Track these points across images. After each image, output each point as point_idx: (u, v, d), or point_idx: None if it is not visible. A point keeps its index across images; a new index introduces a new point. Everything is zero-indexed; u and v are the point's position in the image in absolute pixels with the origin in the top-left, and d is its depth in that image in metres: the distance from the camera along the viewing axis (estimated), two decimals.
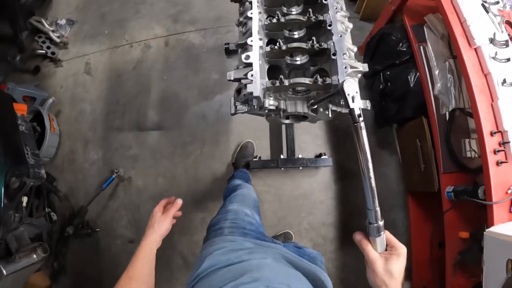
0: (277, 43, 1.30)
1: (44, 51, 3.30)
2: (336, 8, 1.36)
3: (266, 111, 1.32)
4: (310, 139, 2.90)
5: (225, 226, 1.26)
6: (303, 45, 1.28)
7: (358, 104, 0.81)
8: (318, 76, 1.19)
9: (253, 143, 2.88)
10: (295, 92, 1.31)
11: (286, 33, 1.42)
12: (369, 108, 1.30)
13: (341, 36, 1.25)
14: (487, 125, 1.61)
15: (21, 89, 3.10)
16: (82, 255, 2.94)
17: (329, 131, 2.90)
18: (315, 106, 1.30)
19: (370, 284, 0.86)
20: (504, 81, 1.63)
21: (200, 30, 3.30)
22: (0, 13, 2.72)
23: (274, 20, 1.39)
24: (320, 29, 1.40)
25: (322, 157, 2.72)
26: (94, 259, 2.93)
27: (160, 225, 1.22)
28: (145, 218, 2.89)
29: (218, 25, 3.29)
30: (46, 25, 3.26)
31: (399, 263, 0.83)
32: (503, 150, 1.57)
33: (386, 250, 0.87)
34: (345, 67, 1.18)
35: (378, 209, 0.84)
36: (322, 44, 1.27)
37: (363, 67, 1.30)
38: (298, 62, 1.34)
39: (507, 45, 1.73)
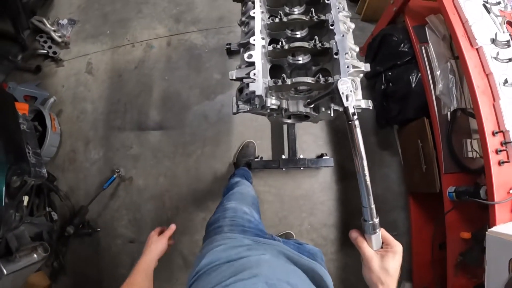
0: (280, 43, 1.29)
1: (45, 51, 3.30)
2: (338, 8, 1.37)
3: (268, 110, 1.32)
4: (312, 139, 2.90)
5: (224, 224, 1.27)
6: (305, 44, 1.28)
7: (352, 102, 0.82)
8: (320, 76, 1.19)
9: (254, 143, 2.89)
10: (297, 91, 1.31)
11: (288, 32, 1.42)
12: (371, 107, 1.30)
13: (343, 35, 1.25)
14: (489, 125, 1.61)
15: (22, 89, 3.10)
16: (82, 255, 2.94)
17: (330, 131, 2.90)
18: (312, 105, 1.30)
19: (366, 282, 0.87)
20: (506, 81, 1.63)
21: (202, 31, 3.30)
22: (2, 12, 2.72)
23: (277, 20, 1.39)
24: (322, 29, 1.40)
25: (324, 157, 2.72)
26: (94, 259, 2.93)
27: (157, 245, 1.31)
28: (146, 217, 2.91)
29: (220, 25, 3.29)
30: (48, 25, 3.26)
31: (395, 260, 0.83)
32: (505, 150, 1.57)
33: (382, 247, 0.88)
34: (347, 67, 1.18)
35: (373, 206, 0.85)
36: (325, 43, 1.27)
37: (365, 66, 1.30)
38: (300, 62, 1.34)
39: (508, 45, 1.73)
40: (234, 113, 1.34)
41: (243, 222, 1.29)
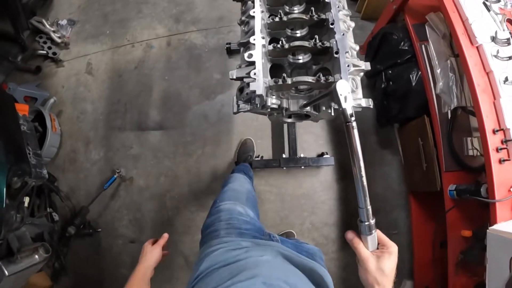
0: (280, 42, 1.30)
1: (45, 52, 3.30)
2: (338, 7, 1.37)
3: (269, 110, 1.32)
4: (312, 138, 2.90)
5: (220, 227, 1.26)
6: (306, 43, 1.29)
7: (350, 104, 0.82)
8: (321, 75, 1.19)
9: (252, 139, 2.89)
10: (298, 90, 1.31)
11: (289, 32, 1.42)
12: (371, 106, 1.31)
13: (343, 34, 1.25)
14: (489, 123, 1.61)
15: (23, 90, 3.10)
16: (83, 255, 2.94)
17: (331, 130, 2.90)
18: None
19: (362, 282, 0.87)
20: (506, 79, 1.63)
21: (202, 30, 3.30)
22: (2, 12, 2.72)
23: (277, 19, 1.39)
24: (322, 28, 1.40)
25: (324, 156, 2.72)
26: (95, 259, 2.93)
27: (151, 254, 1.35)
28: (147, 217, 2.91)
29: (220, 25, 3.29)
30: (47, 26, 3.26)
31: (390, 261, 0.84)
32: (506, 148, 1.57)
33: (377, 248, 0.88)
34: (348, 66, 1.18)
35: (369, 207, 0.85)
36: (325, 42, 1.27)
37: (366, 65, 1.31)
38: (301, 61, 1.35)
39: (508, 43, 1.73)
40: (235, 113, 1.34)
41: (239, 225, 1.28)
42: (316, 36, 1.29)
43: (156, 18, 3.42)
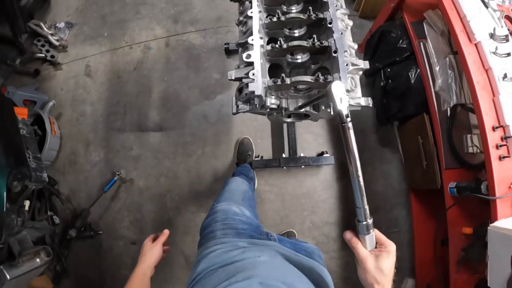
0: (278, 42, 1.29)
1: (43, 55, 3.29)
2: (336, 6, 1.37)
3: (268, 110, 1.32)
4: (312, 137, 2.90)
5: (216, 228, 1.26)
6: (304, 43, 1.28)
7: (345, 104, 0.82)
8: (320, 74, 1.18)
9: (249, 138, 2.89)
10: (297, 90, 1.31)
11: (287, 31, 1.42)
12: (370, 105, 1.31)
13: (341, 33, 1.25)
14: (489, 120, 1.61)
15: (21, 93, 3.09)
16: (85, 257, 2.94)
17: (330, 130, 2.90)
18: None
19: (361, 282, 0.87)
20: (505, 76, 1.63)
21: (200, 31, 3.30)
22: (0, 16, 2.72)
23: (275, 19, 1.39)
24: (320, 27, 1.40)
25: (324, 155, 2.72)
26: (97, 261, 2.94)
27: (151, 252, 1.32)
28: (147, 218, 2.92)
29: (218, 25, 3.28)
30: (45, 29, 3.26)
31: (389, 260, 0.84)
32: (505, 145, 1.57)
33: (376, 247, 0.89)
34: (347, 65, 1.18)
35: (367, 207, 0.86)
36: (323, 42, 1.27)
37: (364, 64, 1.31)
38: (299, 60, 1.34)
39: (507, 40, 1.73)
40: (234, 113, 1.35)
41: (236, 224, 1.29)
42: (314, 36, 1.29)
43: (154, 19, 3.42)
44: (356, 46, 1.42)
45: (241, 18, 1.49)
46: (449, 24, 1.79)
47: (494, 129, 1.59)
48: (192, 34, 3.30)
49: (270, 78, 1.25)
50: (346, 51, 1.22)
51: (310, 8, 1.36)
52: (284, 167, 2.67)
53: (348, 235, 0.92)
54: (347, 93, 1.22)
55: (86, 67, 3.35)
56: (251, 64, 1.22)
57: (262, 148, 2.90)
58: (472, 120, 1.99)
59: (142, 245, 1.37)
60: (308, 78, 1.20)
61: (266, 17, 1.43)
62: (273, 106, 1.28)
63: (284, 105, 1.31)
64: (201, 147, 2.99)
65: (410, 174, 2.58)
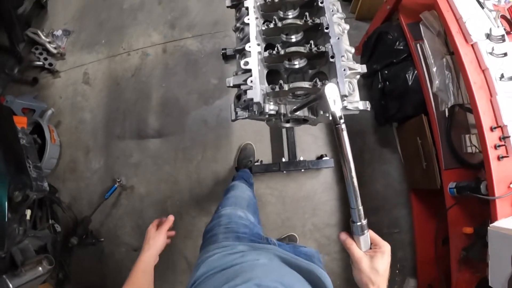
0: (276, 48, 1.30)
1: (41, 63, 3.30)
2: (332, 11, 1.37)
3: (267, 116, 1.32)
4: (311, 140, 2.91)
5: (219, 232, 1.27)
6: (301, 49, 1.29)
7: (339, 106, 0.83)
8: (317, 80, 1.19)
9: (252, 144, 2.89)
10: (295, 96, 1.31)
11: (284, 37, 1.43)
12: (368, 109, 1.31)
13: (338, 38, 1.25)
14: (487, 121, 1.61)
15: (20, 102, 3.10)
16: (87, 264, 2.95)
17: (329, 132, 2.90)
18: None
19: (356, 283, 0.88)
20: (502, 76, 1.64)
21: (197, 36, 3.31)
22: None
23: (271, 25, 1.39)
24: (317, 32, 1.40)
25: (324, 158, 2.72)
26: (99, 268, 2.94)
27: (155, 240, 1.30)
28: (149, 224, 2.90)
29: (215, 30, 3.29)
30: (43, 37, 3.26)
31: (383, 260, 0.85)
32: (504, 145, 1.57)
33: (370, 248, 0.89)
34: (344, 70, 1.19)
35: (361, 208, 0.87)
36: (320, 47, 1.27)
37: (362, 68, 1.31)
38: (297, 66, 1.35)
39: (503, 40, 1.73)
40: (233, 120, 1.35)
41: (237, 229, 1.29)
42: (312, 42, 1.29)
43: (151, 24, 3.43)
44: (353, 50, 1.42)
45: (238, 25, 1.49)
46: (446, 26, 1.79)
47: (492, 129, 1.59)
48: (189, 40, 3.31)
49: (268, 84, 1.25)
50: (343, 56, 1.22)
51: (307, 13, 1.37)
52: (284, 171, 2.68)
53: (343, 236, 0.93)
54: (345, 98, 1.23)
55: (84, 74, 3.36)
56: (249, 71, 1.22)
57: (262, 152, 2.90)
58: (470, 120, 1.99)
59: (146, 232, 1.35)
60: (306, 84, 1.20)
61: (263, 23, 1.43)
62: (272, 112, 1.28)
63: (282, 110, 1.32)
64: (201, 152, 2.99)
65: (410, 174, 2.59)
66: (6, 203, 1.74)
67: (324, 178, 2.86)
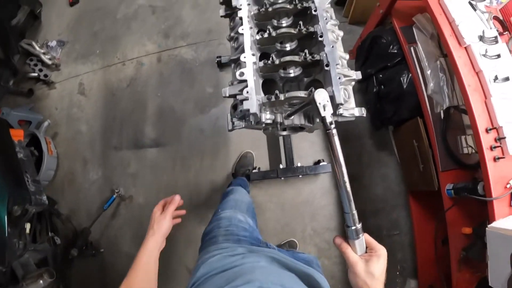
0: (270, 58, 1.30)
1: (36, 74, 3.31)
2: (326, 19, 1.38)
3: (263, 125, 1.33)
4: (308, 146, 2.91)
5: (219, 234, 1.27)
6: (296, 58, 1.29)
7: (329, 111, 0.84)
8: (313, 89, 1.19)
9: (252, 153, 2.90)
10: (291, 105, 1.32)
11: (278, 46, 1.43)
12: (364, 115, 1.32)
13: (332, 46, 1.26)
14: (482, 123, 1.62)
15: (16, 113, 3.10)
16: (87, 275, 2.94)
17: (326, 138, 2.88)
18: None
19: (352, 287, 0.87)
20: (496, 77, 1.65)
21: (191, 45, 3.32)
22: None
23: (266, 35, 1.39)
24: (311, 40, 1.40)
25: (321, 163, 2.73)
26: (100, 278, 2.93)
27: (160, 224, 1.19)
28: None
29: (209, 38, 3.30)
30: (37, 48, 3.27)
31: (379, 264, 0.84)
32: (499, 146, 1.58)
33: (366, 252, 0.89)
34: (339, 78, 1.19)
35: (355, 212, 0.86)
36: (315, 56, 1.28)
37: (356, 75, 1.32)
38: (292, 75, 1.35)
39: (496, 41, 1.75)
40: (230, 130, 1.35)
41: (238, 231, 1.30)
42: (306, 50, 1.30)
43: (146, 34, 3.44)
44: (347, 57, 1.43)
45: (232, 34, 1.49)
46: (439, 29, 1.81)
47: (487, 131, 1.60)
48: (184, 49, 3.32)
49: (264, 93, 1.26)
50: (338, 63, 1.23)
51: (301, 22, 1.38)
52: (282, 178, 2.69)
53: (338, 240, 0.91)
54: (341, 106, 1.24)
55: (80, 85, 3.36)
56: (244, 81, 1.23)
57: (259, 159, 2.91)
58: (466, 121, 2.01)
59: (151, 215, 1.22)
60: (301, 94, 1.21)
61: (257, 32, 1.44)
62: (268, 121, 1.28)
63: (279, 119, 1.32)
64: (199, 161, 2.99)
65: (408, 177, 2.60)
66: (6, 217, 1.74)
67: (322, 183, 2.86)
